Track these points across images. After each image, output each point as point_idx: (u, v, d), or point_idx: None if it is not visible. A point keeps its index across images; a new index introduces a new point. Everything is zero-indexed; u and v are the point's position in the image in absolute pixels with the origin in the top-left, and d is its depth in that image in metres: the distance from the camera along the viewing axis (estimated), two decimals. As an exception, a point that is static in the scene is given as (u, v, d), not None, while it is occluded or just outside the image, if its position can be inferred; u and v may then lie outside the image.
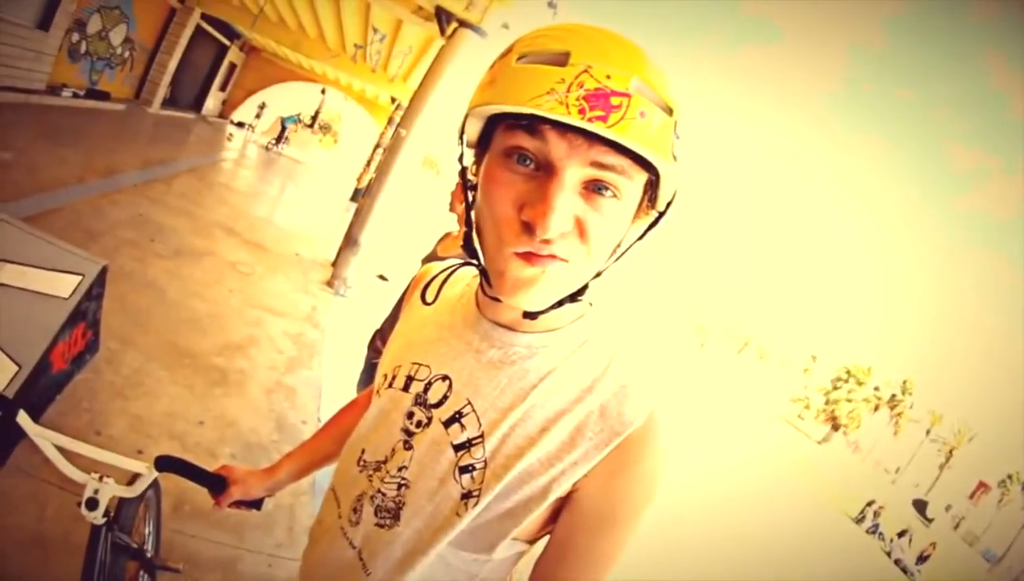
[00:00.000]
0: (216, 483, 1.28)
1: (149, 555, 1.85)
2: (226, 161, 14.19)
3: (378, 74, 15.15)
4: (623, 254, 0.81)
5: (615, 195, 0.71)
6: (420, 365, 0.94)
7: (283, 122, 20.31)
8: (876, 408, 78.31)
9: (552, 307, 0.77)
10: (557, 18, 8.27)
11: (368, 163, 17.10)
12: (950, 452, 74.50)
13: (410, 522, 0.85)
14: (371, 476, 0.92)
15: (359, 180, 17.24)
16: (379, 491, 0.90)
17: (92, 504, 1.33)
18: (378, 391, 1.00)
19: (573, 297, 0.78)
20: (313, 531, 1.04)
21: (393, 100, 17.07)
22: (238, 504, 1.29)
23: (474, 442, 0.83)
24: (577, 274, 0.75)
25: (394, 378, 0.97)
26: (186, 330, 4.50)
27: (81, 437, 2.76)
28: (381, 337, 3.51)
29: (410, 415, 0.91)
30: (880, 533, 21.61)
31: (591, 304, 0.90)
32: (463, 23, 7.13)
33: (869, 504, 23.58)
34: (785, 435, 49.94)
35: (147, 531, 1.93)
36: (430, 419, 0.88)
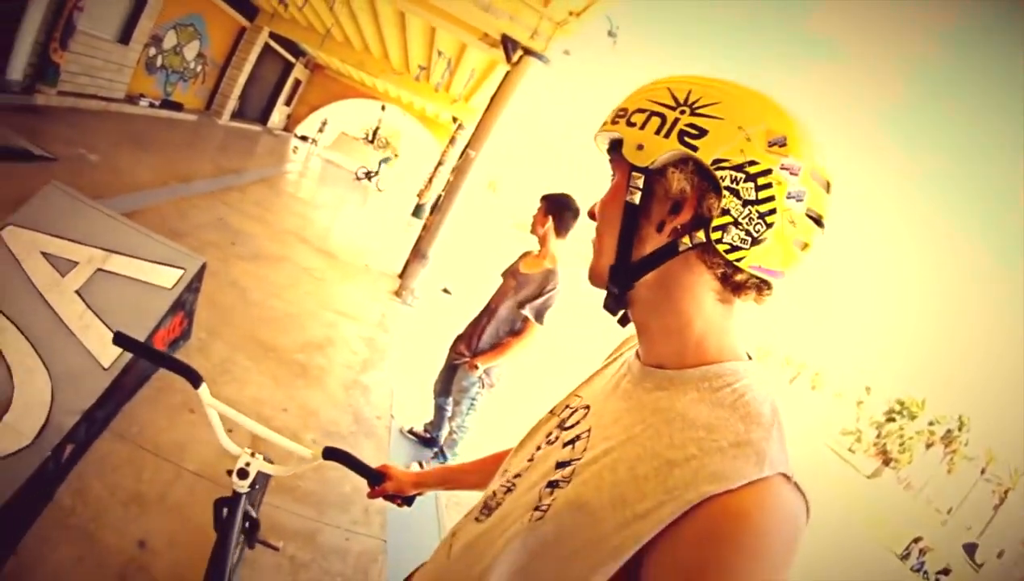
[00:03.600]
0: (375, 476, 1.43)
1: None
2: (291, 173, 14.68)
3: (440, 94, 15.49)
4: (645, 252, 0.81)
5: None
6: (578, 396, 0.98)
7: (380, 163, 20.87)
8: (930, 445, 75.93)
9: (612, 304, 0.86)
10: (616, 47, 8.36)
11: (430, 180, 17.22)
12: (1005, 493, 71.55)
13: (493, 520, 0.88)
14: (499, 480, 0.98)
15: (420, 196, 17.38)
16: (494, 492, 0.94)
17: (243, 474, 1.48)
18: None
19: (618, 299, 0.85)
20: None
21: (455, 120, 17.33)
22: (390, 498, 1.44)
23: (572, 462, 0.81)
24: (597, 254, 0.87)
25: (557, 406, 1.02)
26: (268, 327, 4.73)
27: (174, 414, 2.95)
28: (466, 342, 3.70)
29: (548, 435, 0.94)
30: (925, 571, 21.08)
31: (749, 356, 0.83)
32: (528, 51, 7.33)
33: (915, 540, 23.03)
34: (834, 468, 48.74)
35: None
36: (557, 438, 0.90)
